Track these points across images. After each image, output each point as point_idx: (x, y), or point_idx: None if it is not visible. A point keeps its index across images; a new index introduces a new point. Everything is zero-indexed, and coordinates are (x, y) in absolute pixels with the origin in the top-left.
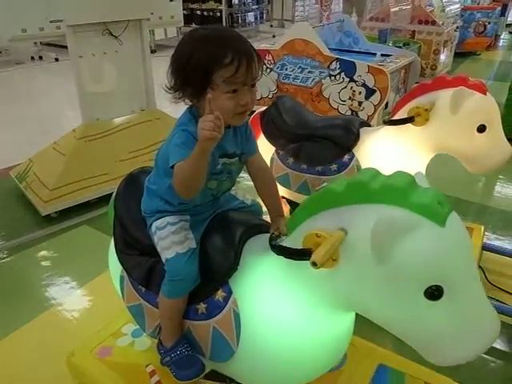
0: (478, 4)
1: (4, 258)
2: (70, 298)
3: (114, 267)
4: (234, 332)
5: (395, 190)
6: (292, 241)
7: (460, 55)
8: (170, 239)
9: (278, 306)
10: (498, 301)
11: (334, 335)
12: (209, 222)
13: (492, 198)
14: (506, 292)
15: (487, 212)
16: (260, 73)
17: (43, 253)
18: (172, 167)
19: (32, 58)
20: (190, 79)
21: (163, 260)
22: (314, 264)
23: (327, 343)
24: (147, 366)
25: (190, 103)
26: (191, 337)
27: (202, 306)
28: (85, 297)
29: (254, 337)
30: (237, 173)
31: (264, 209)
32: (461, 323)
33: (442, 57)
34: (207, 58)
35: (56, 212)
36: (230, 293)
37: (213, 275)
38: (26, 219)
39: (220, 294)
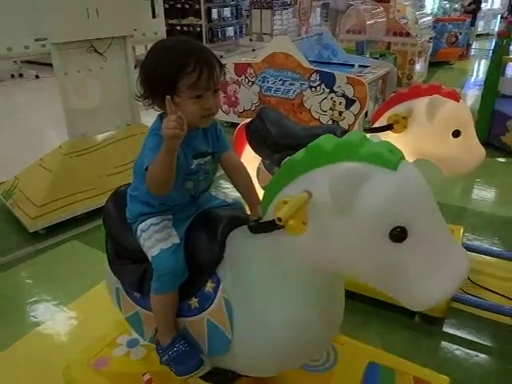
0: (449, 16)
1: None
2: (62, 313)
3: (110, 281)
4: (227, 319)
5: (347, 146)
6: (267, 219)
7: (434, 65)
8: (154, 238)
9: (264, 286)
10: (478, 297)
11: (325, 307)
12: (192, 219)
13: (470, 200)
14: (486, 289)
15: (466, 214)
16: (222, 79)
17: (32, 269)
18: (146, 169)
19: (12, 75)
20: (157, 88)
21: (150, 259)
22: (279, 220)
23: (321, 316)
24: (144, 374)
25: (160, 110)
26: (188, 335)
27: (194, 301)
28: (76, 311)
29: (246, 320)
30: (213, 172)
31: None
32: (429, 262)
33: (418, 67)
34: (171, 68)
35: (44, 228)
36: (218, 282)
37: (200, 268)
38: (13, 237)
39: (210, 286)
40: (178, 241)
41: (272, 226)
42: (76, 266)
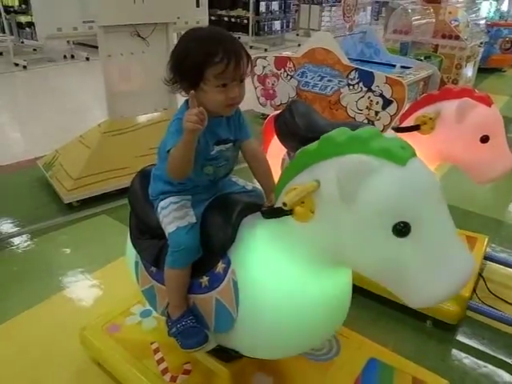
0: (506, 21)
1: (27, 240)
2: (85, 281)
3: (130, 254)
4: (234, 300)
5: (359, 139)
6: (279, 204)
7: (484, 71)
8: (172, 215)
9: (271, 270)
10: (495, 309)
11: (330, 295)
12: (209, 202)
13: (503, 212)
14: (505, 301)
15: (497, 225)
16: (249, 70)
17: (64, 238)
18: (168, 152)
19: (64, 56)
20: (186, 74)
21: (167, 235)
22: (284, 204)
23: (325, 303)
24: (152, 343)
25: (186, 95)
26: (197, 311)
27: (204, 279)
28: (99, 280)
29: (252, 302)
30: (233, 159)
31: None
32: (430, 260)
33: (468, 72)
34: (200, 56)
35: (78, 201)
36: (228, 264)
37: (213, 248)
38: (50, 206)
39: (220, 266)
40: (194, 220)
41: (280, 212)
42: (104, 238)
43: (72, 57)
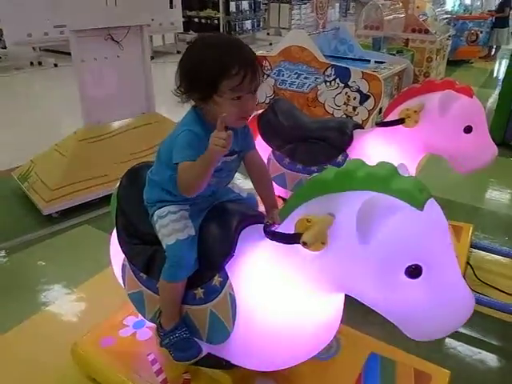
0: (471, 14)
1: (6, 256)
2: (71, 295)
3: (116, 255)
4: (230, 314)
5: (379, 177)
6: (285, 227)
7: (453, 63)
8: (171, 227)
9: (271, 289)
10: (485, 296)
11: (324, 316)
12: (207, 212)
13: (483, 200)
14: (494, 287)
15: (478, 213)
16: (261, 80)
17: (45, 251)
18: (176, 164)
19: (31, 63)
20: (198, 85)
21: (164, 246)
22: (305, 244)
23: (318, 324)
24: (148, 354)
25: (195, 104)
26: (189, 321)
27: (199, 291)
28: (85, 293)
29: (249, 318)
30: (235, 170)
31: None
32: (438, 301)
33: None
34: (215, 68)
35: (57, 212)
36: (226, 278)
37: (210, 261)
38: (28, 219)
39: (217, 280)
40: (193, 233)
41: (291, 241)
42: (87, 249)
43: (39, 63)
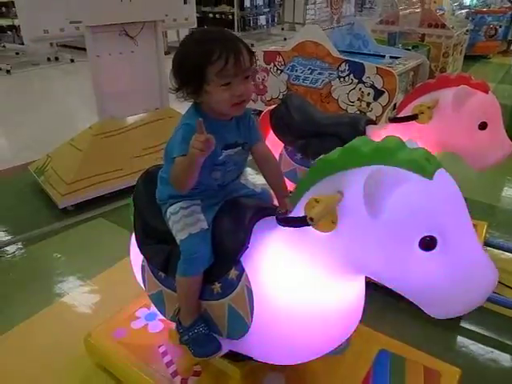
0: (489, 8)
1: (23, 248)
2: (85, 286)
3: (136, 258)
4: (248, 307)
5: (384, 150)
6: (296, 213)
7: (470, 58)
8: (183, 222)
9: (288, 278)
10: (499, 295)
11: (345, 303)
12: (220, 206)
13: (499, 197)
14: (508, 287)
15: (493, 211)
16: (251, 65)
17: (61, 243)
18: (174, 158)
19: (48, 59)
20: (188, 79)
21: (178, 242)
22: (311, 220)
23: (340, 310)
24: (160, 346)
25: (192, 100)
26: (208, 317)
27: (216, 286)
28: (99, 285)
29: (267, 309)
30: (243, 163)
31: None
32: (456, 273)
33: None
34: (198, 57)
35: (72, 205)
36: (242, 271)
37: (226, 255)
38: (44, 212)
39: (233, 273)
40: (206, 226)
41: (301, 223)
42: (101, 242)
43: (56, 59)
